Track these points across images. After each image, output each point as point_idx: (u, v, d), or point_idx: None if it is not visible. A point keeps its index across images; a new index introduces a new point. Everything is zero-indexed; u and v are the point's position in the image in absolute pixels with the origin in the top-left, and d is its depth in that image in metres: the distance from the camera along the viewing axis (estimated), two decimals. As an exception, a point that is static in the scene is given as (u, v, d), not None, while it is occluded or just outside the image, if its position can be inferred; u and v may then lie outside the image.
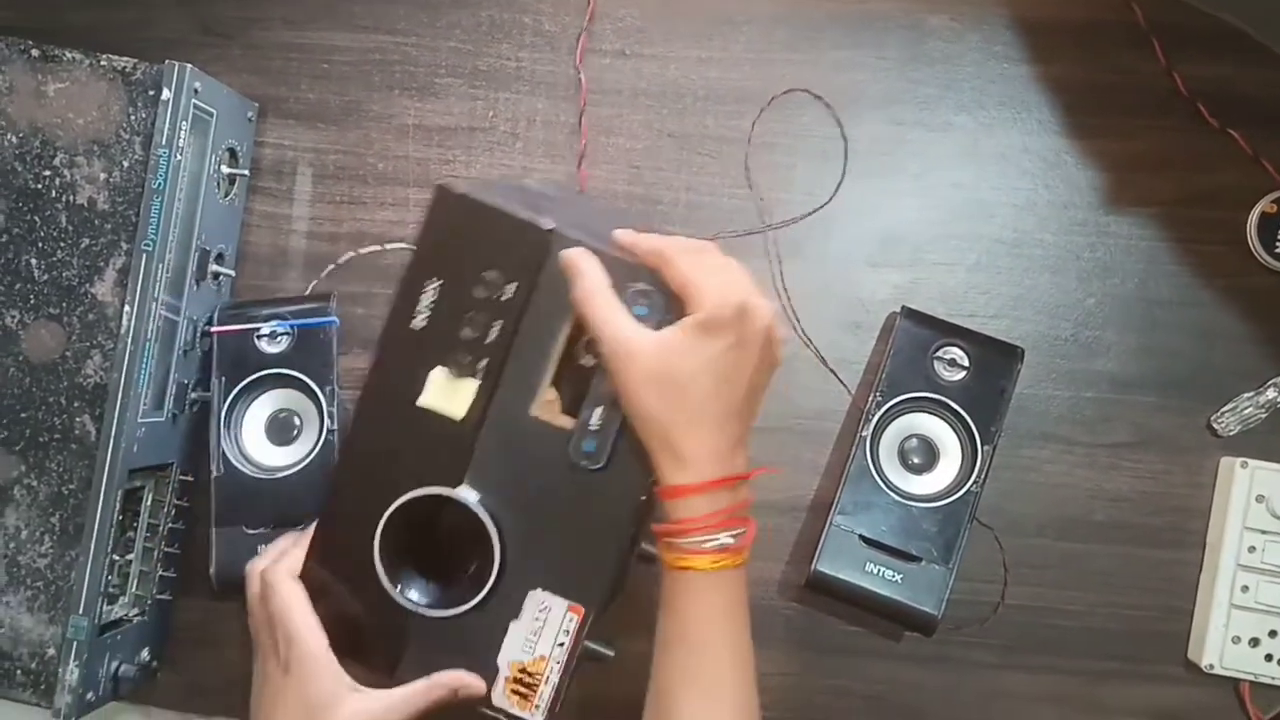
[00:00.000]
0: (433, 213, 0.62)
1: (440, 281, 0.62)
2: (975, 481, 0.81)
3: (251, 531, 0.81)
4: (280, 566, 0.66)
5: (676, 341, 0.59)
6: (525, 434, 0.63)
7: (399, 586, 0.64)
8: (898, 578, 0.80)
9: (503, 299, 0.62)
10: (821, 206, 0.89)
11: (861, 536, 0.81)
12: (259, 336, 0.84)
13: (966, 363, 0.83)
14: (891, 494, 0.82)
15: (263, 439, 0.84)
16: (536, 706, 0.64)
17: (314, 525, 0.67)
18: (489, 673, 0.65)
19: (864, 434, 0.83)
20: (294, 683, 0.63)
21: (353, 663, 0.64)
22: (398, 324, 0.63)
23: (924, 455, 0.84)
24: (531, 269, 0.62)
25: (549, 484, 0.63)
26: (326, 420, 0.83)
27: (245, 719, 0.89)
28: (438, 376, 0.63)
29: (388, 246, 0.90)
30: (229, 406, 0.83)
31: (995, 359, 0.83)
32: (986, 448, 0.82)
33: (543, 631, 0.64)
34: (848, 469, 0.83)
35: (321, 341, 0.84)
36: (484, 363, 0.63)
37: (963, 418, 0.82)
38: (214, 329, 0.84)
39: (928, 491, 0.82)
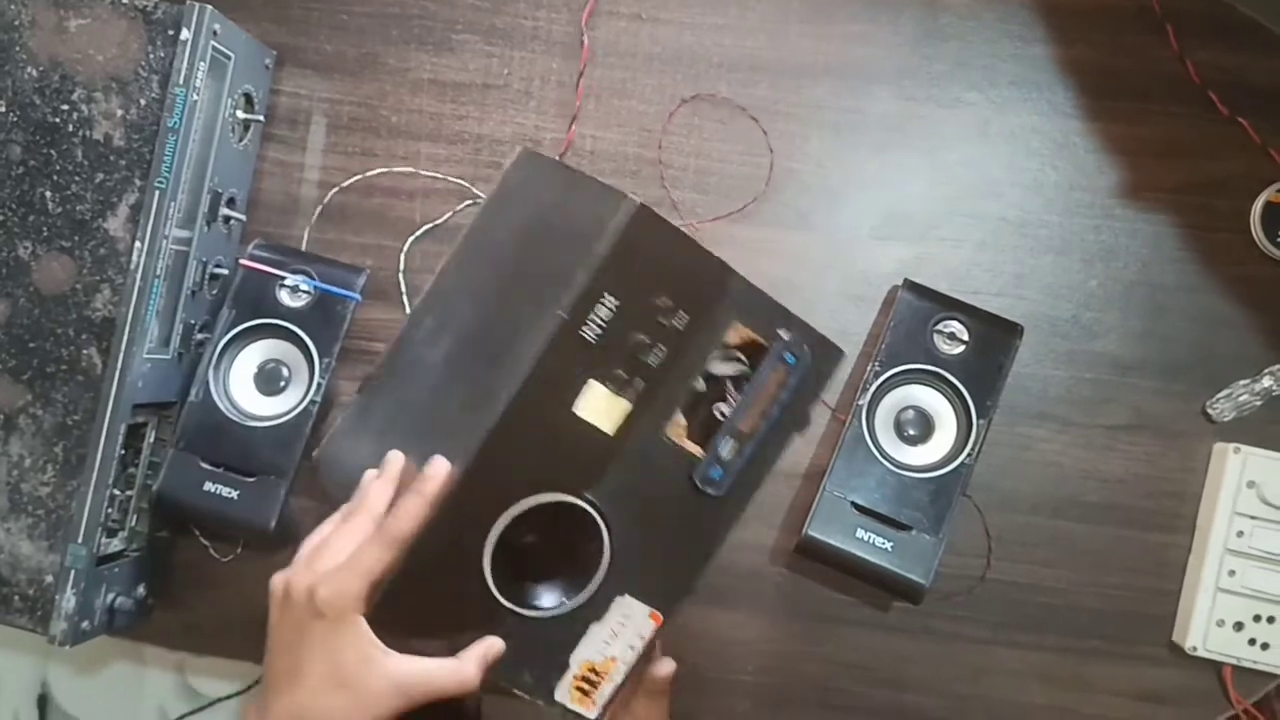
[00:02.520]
0: (628, 231, 0.62)
1: (618, 300, 0.63)
2: (969, 454, 0.82)
3: (205, 465, 0.82)
4: (342, 585, 0.61)
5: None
6: (656, 452, 0.66)
7: (501, 583, 0.64)
8: (888, 545, 0.81)
9: (673, 327, 0.65)
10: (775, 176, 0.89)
11: (854, 503, 0.82)
12: (282, 285, 0.85)
13: (966, 337, 0.84)
14: (885, 463, 0.82)
15: (248, 382, 0.85)
16: (595, 703, 0.67)
17: (385, 524, 0.63)
18: (558, 668, 0.67)
19: (860, 403, 0.83)
20: (324, 626, 0.61)
21: (418, 637, 0.63)
22: (568, 329, 0.62)
23: (919, 426, 0.84)
24: (707, 304, 0.65)
25: (668, 501, 0.67)
26: (313, 389, 0.83)
27: (240, 657, 0.92)
28: (597, 389, 0.64)
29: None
30: (229, 341, 0.84)
31: (995, 334, 0.84)
32: (981, 421, 0.82)
33: (620, 634, 0.67)
34: (843, 436, 0.83)
35: (338, 312, 0.85)
36: (643, 386, 0.65)
37: (959, 391, 0.83)
38: (243, 261, 0.85)
39: (921, 462, 0.83)
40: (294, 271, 0.85)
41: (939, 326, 0.84)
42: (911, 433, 0.84)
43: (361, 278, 0.86)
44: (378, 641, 0.61)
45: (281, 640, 0.63)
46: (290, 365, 0.85)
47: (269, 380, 0.85)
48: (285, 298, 0.85)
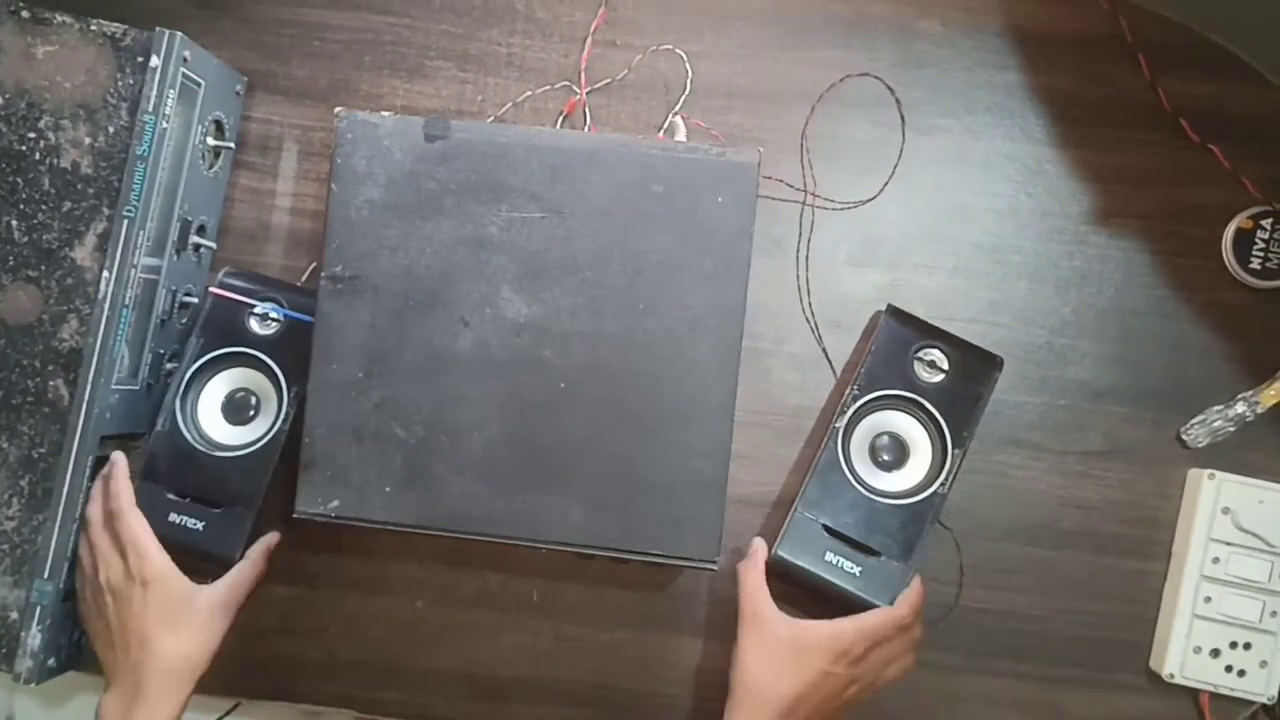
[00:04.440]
0: None
1: None
2: (943, 483, 0.82)
3: (171, 496, 0.81)
4: (122, 495, 0.77)
5: (815, 635, 0.77)
6: None
7: None
8: (856, 570, 0.81)
9: None
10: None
11: (825, 526, 0.81)
12: (252, 313, 0.84)
13: (946, 366, 0.84)
14: (859, 488, 0.82)
15: (216, 412, 0.84)
16: None
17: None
18: None
19: (837, 426, 0.83)
20: (154, 590, 0.75)
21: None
22: None
23: (894, 453, 0.84)
24: None
25: None
26: (281, 417, 0.82)
27: (206, 691, 0.90)
28: None
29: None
30: (197, 370, 0.82)
31: (975, 365, 0.84)
32: (957, 451, 0.82)
33: None
34: (818, 459, 0.83)
35: (308, 339, 0.83)
36: None
37: (936, 419, 0.83)
38: (213, 289, 0.84)
39: (895, 489, 0.83)
40: (264, 299, 0.84)
41: (920, 354, 0.84)
42: (886, 458, 0.84)
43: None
44: (186, 580, 0.77)
45: (122, 620, 0.76)
46: (259, 394, 0.84)
47: (237, 409, 0.84)
48: (255, 326, 0.84)
